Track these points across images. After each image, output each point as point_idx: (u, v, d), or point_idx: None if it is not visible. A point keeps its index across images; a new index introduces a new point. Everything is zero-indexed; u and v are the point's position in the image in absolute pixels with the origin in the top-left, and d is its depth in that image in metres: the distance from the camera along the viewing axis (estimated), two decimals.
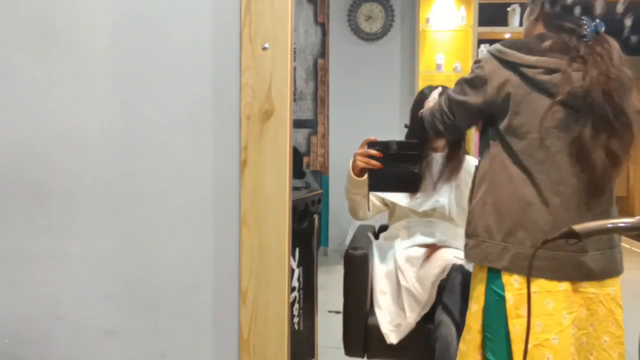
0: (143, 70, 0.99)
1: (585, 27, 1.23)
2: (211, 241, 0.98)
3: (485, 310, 1.31)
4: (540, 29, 1.31)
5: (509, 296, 1.25)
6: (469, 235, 1.37)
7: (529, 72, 1.22)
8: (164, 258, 1.00)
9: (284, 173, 0.92)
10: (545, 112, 1.21)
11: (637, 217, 1.01)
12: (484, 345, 1.33)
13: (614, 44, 1.24)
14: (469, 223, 1.37)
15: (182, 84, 0.98)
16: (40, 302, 1.04)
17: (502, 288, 1.27)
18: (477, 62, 1.34)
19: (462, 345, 1.39)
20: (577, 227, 1.09)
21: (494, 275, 1.30)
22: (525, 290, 1.24)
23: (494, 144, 1.32)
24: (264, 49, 0.91)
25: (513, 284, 1.25)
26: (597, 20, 1.24)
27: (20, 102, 1.01)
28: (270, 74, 0.91)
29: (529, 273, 1.07)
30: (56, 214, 1.02)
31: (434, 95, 1.72)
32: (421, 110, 1.71)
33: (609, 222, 1.05)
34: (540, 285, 1.24)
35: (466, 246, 1.38)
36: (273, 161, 0.92)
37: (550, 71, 1.21)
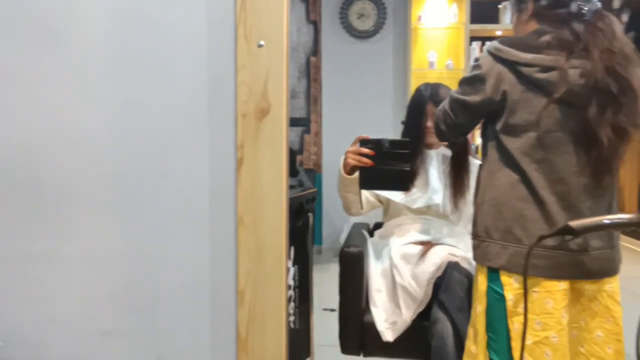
0: (137, 69, 0.98)
1: (582, 7, 1.20)
2: (208, 241, 0.97)
3: (487, 310, 1.31)
4: (533, 25, 1.29)
5: (509, 295, 1.25)
6: (473, 235, 1.37)
7: (525, 70, 1.21)
8: (161, 258, 0.99)
9: (280, 171, 0.92)
10: (541, 110, 1.20)
11: (634, 214, 1.02)
12: (487, 346, 1.33)
13: (614, 19, 1.21)
14: (473, 224, 1.37)
15: (177, 82, 0.97)
16: (35, 304, 1.03)
17: (502, 287, 1.26)
18: (476, 60, 1.33)
19: (473, 347, 1.38)
20: (574, 223, 1.09)
21: (493, 274, 1.29)
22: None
23: (490, 144, 1.32)
24: (260, 46, 0.90)
25: (512, 284, 1.25)
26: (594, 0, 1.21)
27: (16, 101, 1.00)
28: (266, 71, 0.90)
29: (525, 271, 1.06)
30: (52, 215, 1.01)
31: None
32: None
33: (606, 218, 1.06)
34: (540, 284, 1.23)
35: (472, 247, 1.38)
36: (269, 159, 0.92)
37: (546, 69, 1.19)
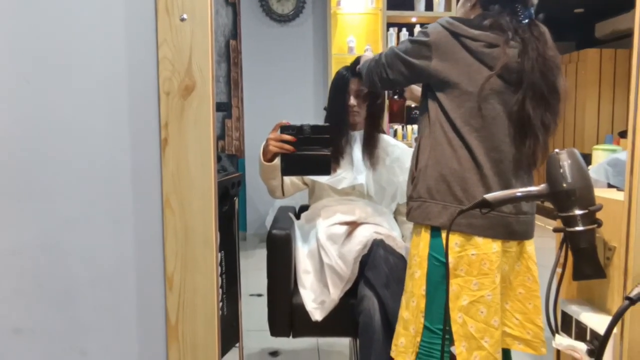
0: (43, 44, 0.90)
1: (520, 13, 1.35)
2: (132, 226, 0.92)
3: (427, 276, 1.39)
4: (477, 11, 1.41)
5: (450, 259, 1.34)
6: (412, 198, 1.44)
7: (472, 44, 1.31)
8: (80, 246, 0.93)
9: (207, 151, 0.89)
10: (484, 82, 1.31)
11: (542, 185, 1.10)
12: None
13: (545, 29, 1.37)
14: (413, 187, 1.44)
15: (92, 59, 0.90)
16: None
17: (442, 253, 1.35)
18: (424, 27, 1.40)
19: (405, 313, 1.44)
20: (489, 197, 1.16)
21: (435, 239, 1.38)
22: (464, 253, 1.34)
23: (433, 110, 1.40)
24: (182, 20, 0.86)
25: (453, 247, 1.35)
26: (530, 8, 1.36)
27: None
28: (190, 47, 0.86)
29: (449, 229, 1.15)
30: None
31: (368, 54, 1.78)
32: (358, 66, 1.78)
33: (518, 191, 1.14)
34: (477, 247, 1.34)
35: (410, 209, 1.45)
36: (196, 139, 0.88)
37: (490, 45, 1.31)
